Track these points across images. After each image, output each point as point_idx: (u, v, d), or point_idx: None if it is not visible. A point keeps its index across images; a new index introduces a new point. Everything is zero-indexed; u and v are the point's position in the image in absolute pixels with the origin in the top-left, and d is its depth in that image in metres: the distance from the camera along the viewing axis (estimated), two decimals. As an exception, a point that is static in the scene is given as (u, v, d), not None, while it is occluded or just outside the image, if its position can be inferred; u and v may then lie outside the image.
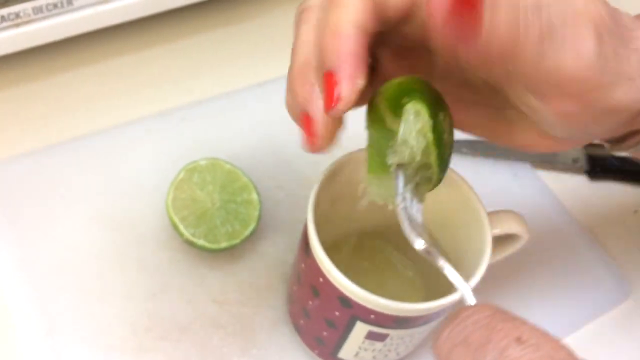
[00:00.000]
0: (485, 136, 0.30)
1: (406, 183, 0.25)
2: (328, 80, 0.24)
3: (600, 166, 0.50)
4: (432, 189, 0.27)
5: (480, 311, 0.20)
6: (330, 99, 0.24)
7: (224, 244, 0.39)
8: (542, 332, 0.19)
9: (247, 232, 0.39)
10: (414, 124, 0.24)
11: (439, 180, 0.27)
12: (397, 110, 0.25)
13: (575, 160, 0.49)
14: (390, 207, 0.26)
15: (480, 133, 0.30)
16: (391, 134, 0.25)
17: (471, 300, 0.23)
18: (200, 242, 0.38)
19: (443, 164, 0.26)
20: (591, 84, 0.23)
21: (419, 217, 0.26)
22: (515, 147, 0.29)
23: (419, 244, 0.24)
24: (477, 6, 0.21)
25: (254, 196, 0.40)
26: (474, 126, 0.30)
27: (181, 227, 0.39)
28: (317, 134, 0.25)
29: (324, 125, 0.25)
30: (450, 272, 0.24)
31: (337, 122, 0.25)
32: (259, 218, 0.40)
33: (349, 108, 0.24)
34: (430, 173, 0.26)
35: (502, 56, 0.22)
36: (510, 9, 0.22)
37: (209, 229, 0.39)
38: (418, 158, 0.25)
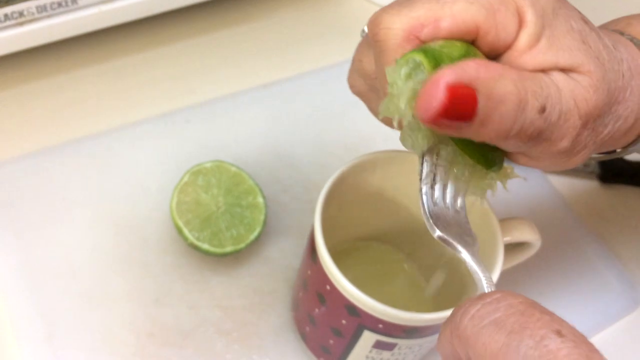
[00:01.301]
0: None
1: (436, 167, 0.24)
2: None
3: (612, 170, 0.49)
4: (488, 182, 0.26)
5: (513, 296, 0.20)
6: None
7: (228, 249, 0.38)
8: (579, 332, 0.19)
9: (252, 237, 0.39)
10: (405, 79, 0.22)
11: (487, 169, 0.25)
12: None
13: (586, 165, 0.48)
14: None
15: None
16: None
17: (487, 289, 0.22)
18: (205, 246, 0.38)
19: (477, 152, 0.24)
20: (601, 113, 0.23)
21: (460, 200, 0.24)
22: (525, 165, 0.28)
23: (434, 231, 0.23)
24: (469, 113, 0.20)
25: (260, 200, 0.40)
26: None
27: (185, 231, 0.38)
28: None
29: None
30: (467, 259, 0.23)
31: None
32: (265, 222, 0.39)
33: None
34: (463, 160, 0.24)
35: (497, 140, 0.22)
36: (510, 116, 0.21)
37: (213, 233, 0.38)
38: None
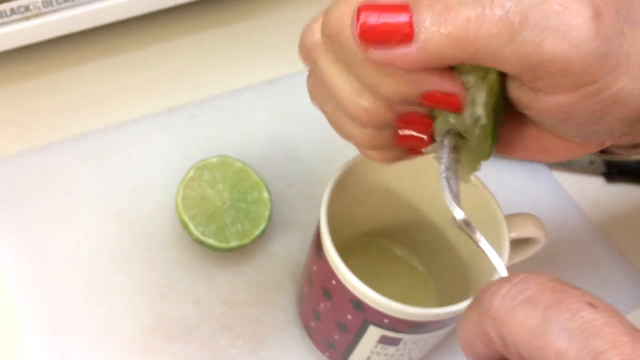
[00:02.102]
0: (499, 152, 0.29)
1: (452, 152, 0.24)
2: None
3: (618, 168, 0.49)
4: (478, 166, 0.25)
5: (539, 275, 0.20)
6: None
7: (233, 244, 0.38)
8: (609, 304, 0.19)
9: (257, 232, 0.39)
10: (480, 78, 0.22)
11: (489, 154, 0.25)
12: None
13: (592, 162, 0.48)
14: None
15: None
16: None
17: (505, 274, 0.22)
18: (210, 241, 0.38)
19: (496, 132, 0.24)
20: (586, 73, 0.20)
21: (455, 187, 0.24)
22: (530, 157, 0.28)
23: (459, 214, 0.23)
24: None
25: (265, 195, 0.40)
26: None
27: (191, 226, 0.38)
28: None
29: None
30: (486, 247, 0.23)
31: None
32: (270, 217, 0.39)
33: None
34: (477, 143, 0.24)
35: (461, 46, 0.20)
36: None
37: (218, 228, 0.38)
38: (472, 120, 0.23)
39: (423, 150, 0.26)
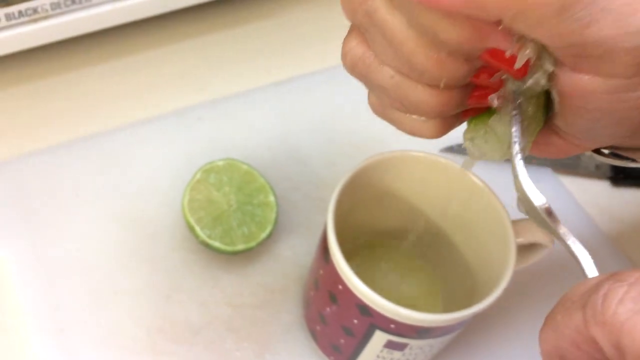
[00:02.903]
0: None
1: (521, 120, 0.22)
2: None
3: (624, 172, 0.48)
4: (535, 136, 0.23)
5: None
6: None
7: (240, 247, 0.38)
8: None
9: (263, 235, 0.39)
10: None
11: (544, 121, 0.23)
12: None
13: (598, 167, 0.48)
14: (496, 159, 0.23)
15: None
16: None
17: (594, 272, 0.20)
18: (216, 244, 0.38)
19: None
20: (628, 65, 0.18)
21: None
22: (535, 151, 0.26)
23: (540, 200, 0.21)
24: None
25: (271, 198, 0.40)
26: None
27: (197, 229, 0.38)
28: None
29: None
30: (573, 241, 0.21)
31: None
32: (276, 221, 0.39)
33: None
34: (536, 110, 0.22)
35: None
36: None
37: (225, 231, 0.38)
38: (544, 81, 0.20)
39: (496, 106, 0.22)
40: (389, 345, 0.31)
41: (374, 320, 0.30)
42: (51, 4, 0.42)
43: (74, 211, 0.41)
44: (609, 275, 0.18)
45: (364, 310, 0.29)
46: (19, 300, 0.37)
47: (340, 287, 0.30)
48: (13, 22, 0.41)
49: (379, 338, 0.31)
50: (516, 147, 0.21)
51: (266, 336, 0.38)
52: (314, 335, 0.36)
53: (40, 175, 0.42)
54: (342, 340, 0.33)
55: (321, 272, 0.32)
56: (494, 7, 0.18)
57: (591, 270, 0.20)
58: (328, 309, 0.33)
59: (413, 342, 0.30)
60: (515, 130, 0.22)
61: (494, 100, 0.22)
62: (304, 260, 0.41)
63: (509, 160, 0.24)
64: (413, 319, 0.28)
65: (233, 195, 0.39)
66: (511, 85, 0.22)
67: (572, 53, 0.19)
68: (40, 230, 0.40)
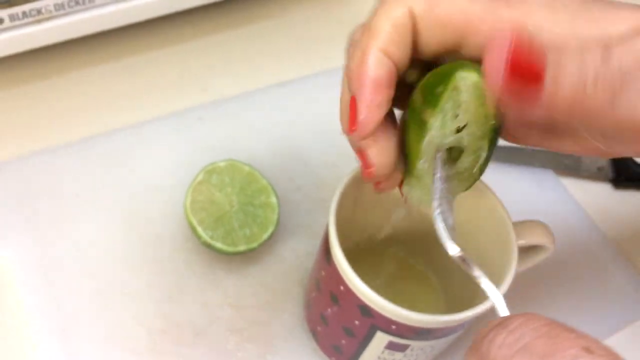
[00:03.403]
0: (527, 143, 0.29)
1: (443, 180, 0.25)
2: (352, 105, 0.25)
3: (625, 174, 0.49)
4: (474, 180, 0.26)
5: (534, 319, 0.20)
6: (351, 123, 0.25)
7: (242, 247, 0.38)
8: (603, 344, 0.19)
9: (265, 236, 0.39)
10: (468, 91, 0.23)
11: (484, 167, 0.26)
12: (434, 98, 0.24)
13: (600, 169, 0.48)
14: (425, 210, 0.25)
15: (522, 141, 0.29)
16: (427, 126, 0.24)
17: (504, 311, 0.22)
18: (218, 245, 0.38)
19: (493, 146, 0.25)
20: None
21: (450, 219, 0.25)
22: (556, 150, 0.28)
23: (454, 250, 0.24)
24: (538, 70, 0.20)
25: (273, 199, 0.40)
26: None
27: (199, 230, 0.38)
28: (371, 166, 0.26)
29: (377, 160, 0.26)
30: (485, 282, 0.23)
31: (390, 154, 0.26)
32: (278, 222, 0.40)
33: (369, 133, 0.25)
34: (473, 160, 0.25)
35: (569, 111, 0.21)
36: (576, 63, 0.20)
37: (227, 232, 0.38)
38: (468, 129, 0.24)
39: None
40: (390, 346, 0.31)
41: (375, 321, 0.30)
42: (55, 5, 0.42)
43: (75, 212, 0.41)
44: (500, 320, 0.20)
45: (365, 311, 0.29)
46: (21, 301, 0.37)
47: (341, 287, 0.30)
48: (17, 22, 0.42)
49: (380, 339, 0.31)
50: (435, 204, 0.24)
51: (268, 337, 0.38)
52: (315, 336, 0.37)
53: (43, 175, 0.42)
54: (343, 341, 0.33)
55: (322, 273, 0.32)
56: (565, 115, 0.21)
57: (502, 309, 0.22)
58: (329, 310, 0.33)
59: (414, 343, 0.31)
60: (435, 187, 0.24)
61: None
62: (305, 262, 0.41)
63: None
64: (414, 320, 0.28)
65: (235, 196, 0.39)
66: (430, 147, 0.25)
67: (614, 133, 0.22)
68: (43, 231, 0.40)
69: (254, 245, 0.39)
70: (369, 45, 0.24)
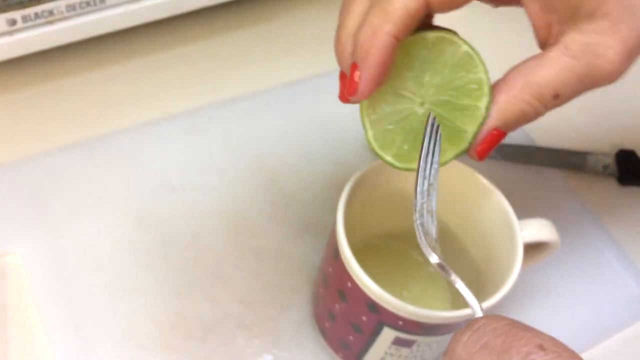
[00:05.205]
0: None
1: (424, 194, 0.27)
2: (352, 70, 0.27)
3: (631, 172, 0.49)
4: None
5: (497, 320, 0.21)
6: (349, 88, 0.27)
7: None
8: (560, 342, 0.20)
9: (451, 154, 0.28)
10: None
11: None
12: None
13: (605, 167, 0.49)
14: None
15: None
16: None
17: (479, 313, 0.24)
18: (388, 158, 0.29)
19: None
20: None
21: (433, 226, 0.27)
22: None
23: (434, 259, 0.25)
24: None
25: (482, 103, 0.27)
26: None
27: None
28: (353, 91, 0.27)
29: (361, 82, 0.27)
30: (461, 287, 0.25)
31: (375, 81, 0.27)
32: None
33: (362, 99, 0.27)
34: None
35: None
36: None
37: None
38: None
39: None
40: (397, 342, 0.31)
41: (382, 317, 0.30)
42: (66, 6, 0.43)
43: (87, 210, 0.42)
44: (468, 323, 0.22)
45: (373, 307, 0.30)
46: (35, 298, 0.38)
47: (349, 284, 0.30)
48: (29, 24, 0.42)
49: (387, 335, 0.31)
50: (416, 216, 0.26)
51: (276, 333, 0.39)
52: (323, 332, 0.37)
53: (55, 174, 0.43)
54: (350, 337, 0.34)
55: (330, 270, 0.33)
56: None
57: (477, 311, 0.24)
58: (337, 306, 0.33)
59: (421, 339, 0.31)
60: (416, 200, 0.27)
61: None
62: (314, 259, 0.41)
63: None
64: (421, 316, 0.29)
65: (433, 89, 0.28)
66: None
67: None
68: (55, 229, 0.41)
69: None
70: (382, 28, 0.25)
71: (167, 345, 0.37)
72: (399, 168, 0.29)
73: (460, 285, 0.25)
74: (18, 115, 0.46)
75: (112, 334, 0.37)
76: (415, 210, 0.26)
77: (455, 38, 0.27)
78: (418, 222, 0.26)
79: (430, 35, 0.27)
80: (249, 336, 0.38)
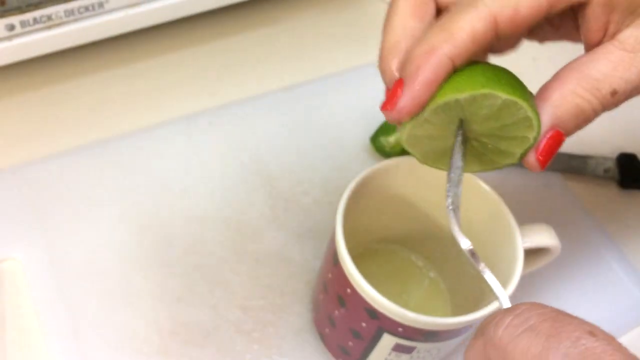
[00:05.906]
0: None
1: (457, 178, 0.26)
2: (398, 85, 0.25)
3: (632, 176, 0.49)
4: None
5: (542, 306, 0.21)
6: (390, 102, 0.25)
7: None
8: (607, 332, 0.20)
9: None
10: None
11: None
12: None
13: (606, 170, 0.48)
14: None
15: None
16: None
17: (508, 305, 0.23)
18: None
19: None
20: None
21: (459, 211, 0.26)
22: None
23: (465, 244, 0.25)
24: None
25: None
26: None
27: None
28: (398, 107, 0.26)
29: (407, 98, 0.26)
30: (489, 277, 0.24)
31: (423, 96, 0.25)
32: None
33: (403, 118, 0.26)
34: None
35: None
36: None
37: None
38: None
39: None
40: (397, 348, 0.31)
41: (381, 324, 0.30)
42: (65, 11, 0.43)
43: (87, 215, 0.42)
44: (506, 308, 0.22)
45: (372, 313, 0.30)
46: (34, 304, 0.38)
47: (348, 290, 0.30)
48: (28, 29, 0.42)
49: (387, 341, 0.31)
50: (448, 201, 0.26)
51: (276, 339, 0.38)
52: (323, 338, 0.37)
53: (54, 179, 0.43)
54: (350, 343, 0.34)
55: (330, 275, 0.33)
56: None
57: (505, 302, 0.24)
58: (337, 312, 0.33)
59: (420, 345, 0.31)
60: (449, 181, 0.26)
61: None
62: (313, 264, 0.41)
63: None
64: (420, 323, 0.29)
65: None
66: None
67: None
68: (54, 234, 0.41)
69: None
70: (440, 48, 0.24)
71: (166, 351, 0.37)
72: (426, 164, 0.29)
73: (488, 275, 0.24)
74: (17, 120, 0.46)
75: (110, 340, 0.37)
76: (449, 196, 0.26)
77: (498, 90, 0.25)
78: (451, 207, 0.26)
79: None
80: (249, 342, 0.38)
